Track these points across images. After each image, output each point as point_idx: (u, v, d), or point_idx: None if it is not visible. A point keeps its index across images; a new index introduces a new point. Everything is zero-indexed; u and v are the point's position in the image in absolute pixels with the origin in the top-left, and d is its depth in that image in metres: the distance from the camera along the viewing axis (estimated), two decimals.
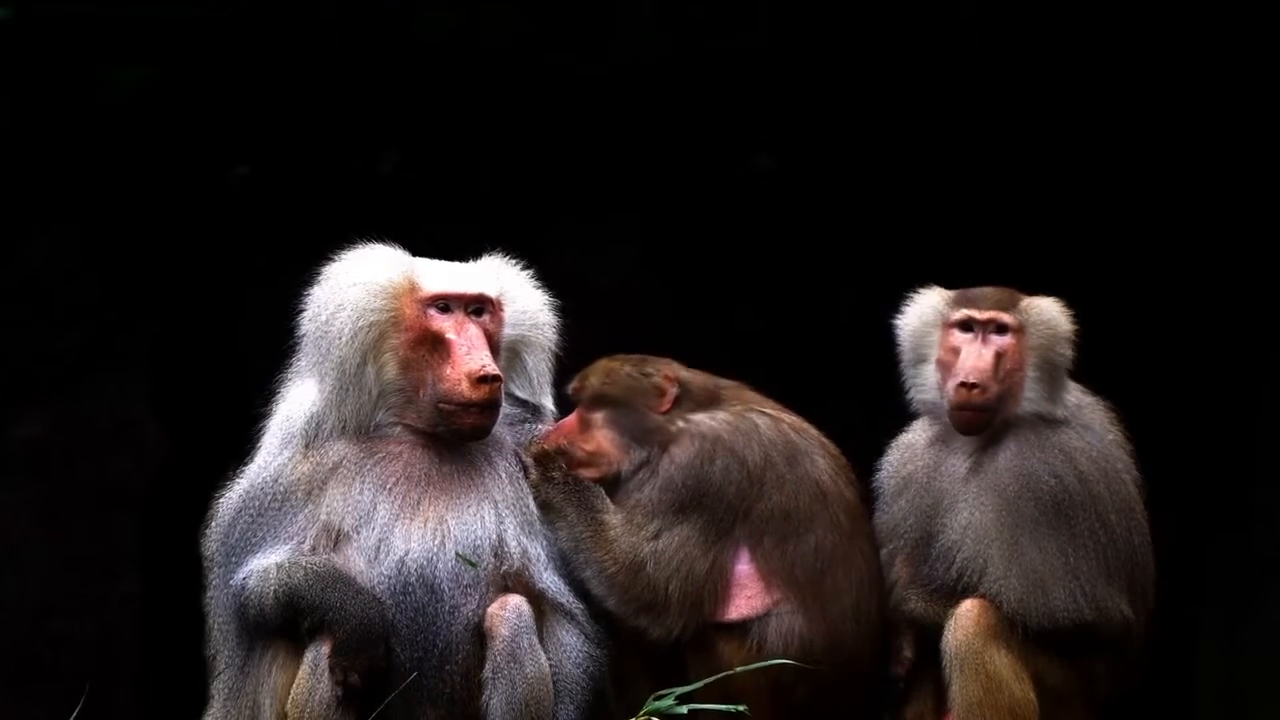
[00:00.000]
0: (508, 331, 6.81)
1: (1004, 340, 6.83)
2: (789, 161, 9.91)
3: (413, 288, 6.71)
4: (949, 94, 9.65)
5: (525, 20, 9.69)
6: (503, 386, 6.67)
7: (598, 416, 6.87)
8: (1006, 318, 6.83)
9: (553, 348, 6.91)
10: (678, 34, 9.81)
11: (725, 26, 9.79)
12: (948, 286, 6.99)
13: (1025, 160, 9.65)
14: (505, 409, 6.74)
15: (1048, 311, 6.87)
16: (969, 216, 9.69)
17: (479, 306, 6.75)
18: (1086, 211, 9.65)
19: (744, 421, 6.80)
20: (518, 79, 9.76)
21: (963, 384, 6.74)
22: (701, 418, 6.82)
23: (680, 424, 6.80)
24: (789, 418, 6.87)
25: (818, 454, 6.83)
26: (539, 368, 6.89)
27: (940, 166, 9.73)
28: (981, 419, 6.76)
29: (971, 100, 9.64)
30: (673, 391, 6.86)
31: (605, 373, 6.91)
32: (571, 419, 6.91)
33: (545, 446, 6.81)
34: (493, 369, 6.63)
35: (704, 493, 6.71)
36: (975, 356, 6.78)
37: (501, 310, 6.80)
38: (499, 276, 6.87)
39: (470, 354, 6.64)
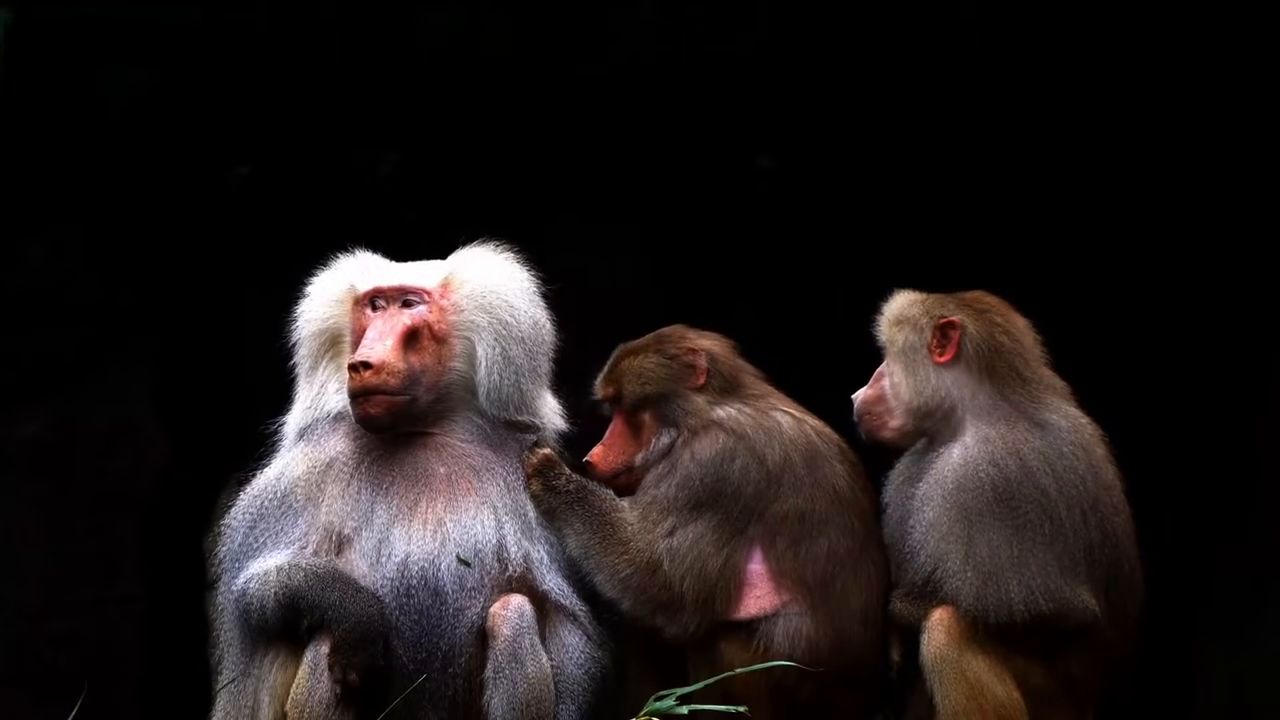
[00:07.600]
0: (460, 317, 6.69)
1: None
2: (789, 162, 9.90)
3: (352, 291, 6.70)
4: (949, 95, 9.64)
5: (526, 22, 9.68)
6: (405, 373, 6.52)
7: (646, 416, 6.84)
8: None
9: (533, 332, 6.73)
10: (677, 35, 9.80)
11: (725, 28, 9.79)
12: (948, 287, 6.99)
13: (1025, 162, 9.64)
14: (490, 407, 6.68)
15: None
16: (968, 218, 9.68)
17: (408, 298, 6.68)
18: (1086, 214, 9.65)
19: (767, 420, 6.77)
20: (518, 80, 9.75)
21: None
22: (729, 411, 6.78)
23: (709, 415, 6.76)
24: (812, 420, 6.86)
25: (837, 459, 6.82)
26: (517, 359, 6.71)
27: (940, 168, 9.72)
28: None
29: (971, 101, 9.64)
30: (703, 364, 6.83)
31: (637, 374, 6.84)
32: (620, 431, 6.86)
33: (594, 461, 6.79)
34: (370, 356, 6.50)
35: (721, 491, 6.69)
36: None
37: (444, 297, 6.69)
38: (452, 265, 6.79)
39: (363, 345, 6.57)
